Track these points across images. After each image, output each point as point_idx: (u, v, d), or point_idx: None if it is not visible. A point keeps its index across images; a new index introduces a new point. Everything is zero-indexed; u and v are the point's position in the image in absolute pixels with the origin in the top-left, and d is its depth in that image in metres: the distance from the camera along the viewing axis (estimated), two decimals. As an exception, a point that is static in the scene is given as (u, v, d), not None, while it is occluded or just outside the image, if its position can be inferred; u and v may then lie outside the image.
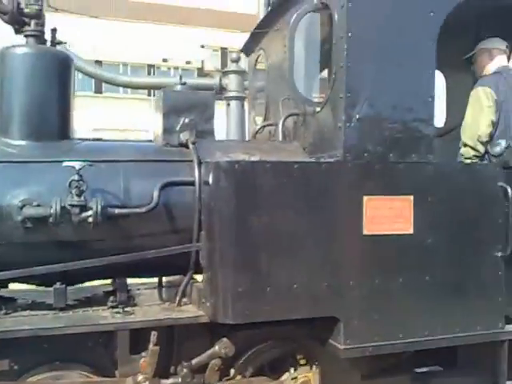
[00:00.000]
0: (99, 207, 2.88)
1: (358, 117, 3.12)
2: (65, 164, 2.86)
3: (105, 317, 3.10)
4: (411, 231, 3.22)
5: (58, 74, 3.29)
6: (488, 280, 3.43)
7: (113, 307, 3.20)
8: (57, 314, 3.10)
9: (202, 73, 25.16)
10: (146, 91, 20.97)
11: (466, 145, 3.63)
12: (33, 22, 3.21)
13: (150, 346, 2.99)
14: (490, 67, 3.82)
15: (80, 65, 7.33)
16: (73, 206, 2.87)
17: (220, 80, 7.87)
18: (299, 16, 3.32)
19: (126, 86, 10.32)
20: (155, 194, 3.10)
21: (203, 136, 3.48)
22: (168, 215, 3.18)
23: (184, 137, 3.40)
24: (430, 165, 3.28)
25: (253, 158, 3.05)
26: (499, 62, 3.83)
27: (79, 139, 3.54)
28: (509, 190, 3.36)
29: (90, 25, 25.23)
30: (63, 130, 3.33)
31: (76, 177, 2.86)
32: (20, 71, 3.18)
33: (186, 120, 3.43)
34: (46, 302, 3.17)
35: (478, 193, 3.40)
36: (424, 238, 3.25)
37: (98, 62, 22.54)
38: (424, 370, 3.84)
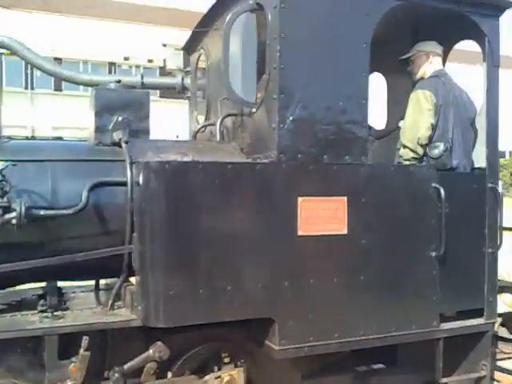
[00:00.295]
0: (23, 208, 2.78)
1: (291, 118, 3.12)
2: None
3: (33, 321, 3.00)
4: (345, 232, 3.24)
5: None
6: (422, 279, 3.48)
7: (42, 311, 3.10)
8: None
9: (164, 72, 24.91)
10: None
11: (405, 146, 3.67)
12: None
13: (81, 351, 2.92)
14: (428, 70, 3.88)
15: (38, 62, 7.18)
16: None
17: (182, 79, 7.76)
18: (234, 16, 3.29)
19: (86, 84, 10.14)
20: (84, 194, 3.01)
21: (138, 135, 3.42)
22: (99, 217, 3.10)
23: (117, 136, 3.32)
24: (364, 166, 3.30)
25: (185, 159, 3.00)
26: (436, 65, 3.90)
27: (8, 137, 3.43)
28: (442, 191, 3.42)
29: (50, 21, 24.83)
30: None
31: (-1, 177, 2.76)
32: None
33: (120, 119, 3.36)
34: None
35: (411, 194, 3.45)
36: (358, 239, 3.28)
37: (58, 60, 22.12)
38: (365, 368, 3.88)
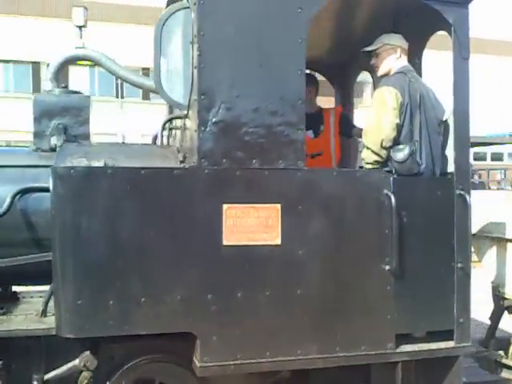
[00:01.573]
0: None
1: (214, 120, 2.92)
2: None
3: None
4: (278, 242, 3.00)
5: None
6: (373, 295, 3.17)
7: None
8: None
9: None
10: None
11: (368, 148, 3.36)
12: None
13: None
14: (394, 66, 3.55)
15: (121, 73, 7.49)
16: None
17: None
18: (166, 14, 3.16)
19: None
20: (7, 200, 2.99)
21: (77, 140, 3.36)
22: (23, 223, 3.06)
23: (53, 141, 3.29)
24: (301, 171, 3.05)
25: (96, 164, 2.89)
26: (402, 61, 3.56)
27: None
28: (392, 198, 3.10)
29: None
30: None
31: None
32: None
33: (57, 124, 3.32)
34: None
35: (359, 202, 3.15)
36: (294, 250, 3.03)
37: (145, 69, 22.49)
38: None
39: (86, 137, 3.41)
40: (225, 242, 2.93)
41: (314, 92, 4.65)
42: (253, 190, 2.99)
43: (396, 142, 3.35)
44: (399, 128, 3.34)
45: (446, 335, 3.36)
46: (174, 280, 2.88)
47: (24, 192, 3.08)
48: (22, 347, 3.06)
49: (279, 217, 3.00)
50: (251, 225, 2.97)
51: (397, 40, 3.58)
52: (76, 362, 3.03)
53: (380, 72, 3.62)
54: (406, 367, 3.31)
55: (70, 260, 2.78)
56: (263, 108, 2.99)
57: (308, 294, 3.05)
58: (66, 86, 3.57)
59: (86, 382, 3.13)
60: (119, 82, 25.36)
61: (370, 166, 3.35)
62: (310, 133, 4.54)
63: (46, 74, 3.61)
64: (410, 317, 3.25)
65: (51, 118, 3.35)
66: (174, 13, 3.18)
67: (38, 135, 3.34)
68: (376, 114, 3.39)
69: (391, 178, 3.18)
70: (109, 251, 2.80)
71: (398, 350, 3.20)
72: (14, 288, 3.65)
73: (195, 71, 2.93)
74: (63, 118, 3.36)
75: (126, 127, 24.45)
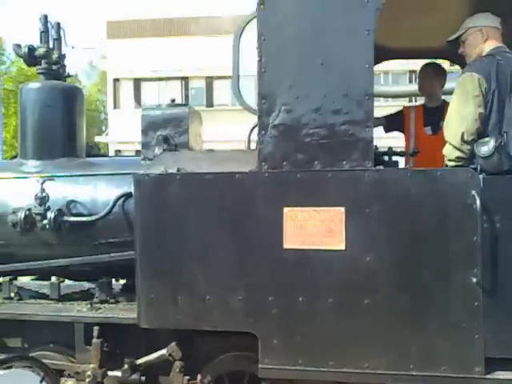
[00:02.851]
0: (52, 215, 3.39)
1: (274, 123, 2.93)
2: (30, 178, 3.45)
3: (79, 310, 3.57)
4: (342, 247, 2.87)
5: (62, 104, 3.94)
6: (457, 311, 2.79)
7: (91, 303, 3.65)
8: (49, 304, 3.71)
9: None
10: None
11: (449, 143, 3.00)
12: (42, 61, 3.92)
13: (93, 340, 3.37)
14: (484, 49, 3.07)
15: None
16: (36, 214, 3.43)
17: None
18: (243, 23, 3.29)
19: (385, 96, 11.01)
20: (110, 204, 3.46)
21: (177, 148, 3.69)
22: (122, 224, 3.49)
23: (157, 151, 3.67)
24: (368, 172, 2.86)
25: (170, 170, 3.14)
26: (493, 42, 3.05)
27: (94, 155, 4.15)
28: (477, 201, 2.70)
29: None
30: (67, 149, 3.95)
31: (39, 189, 3.43)
32: (31, 104, 3.91)
33: (160, 135, 3.69)
34: (46, 293, 3.81)
35: (440, 205, 2.81)
36: (360, 256, 2.85)
37: None
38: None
39: (185, 145, 3.71)
40: (285, 246, 2.92)
41: (438, 84, 4.25)
42: (314, 193, 2.91)
43: (482, 134, 2.91)
44: (484, 118, 2.91)
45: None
46: (236, 280, 2.97)
47: (126, 197, 3.52)
48: (119, 333, 3.48)
49: (343, 221, 2.87)
50: (312, 228, 2.90)
51: (482, 20, 3.10)
52: (164, 351, 3.35)
53: (470, 59, 3.17)
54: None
55: (145, 257, 3.09)
56: (325, 107, 2.89)
57: (377, 304, 2.85)
58: (174, 100, 3.93)
59: (177, 370, 3.45)
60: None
61: (452, 164, 2.96)
62: (428, 129, 4.17)
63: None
64: (505, 338, 2.77)
65: (156, 130, 3.74)
66: (250, 21, 3.29)
67: (145, 146, 3.76)
68: (456, 105, 3.01)
69: (480, 177, 2.77)
70: (177, 251, 3.03)
71: (488, 376, 2.76)
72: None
73: (257, 77, 2.98)
74: (165, 129, 3.72)
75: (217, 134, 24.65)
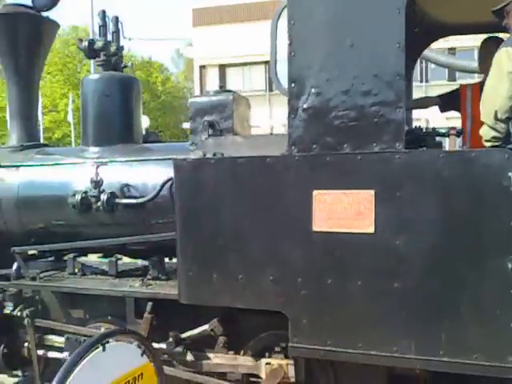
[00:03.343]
0: (105, 198, 3.65)
1: (304, 107, 2.96)
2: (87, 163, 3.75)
3: (131, 285, 3.83)
4: (371, 230, 2.85)
5: (119, 93, 4.20)
6: (491, 297, 2.70)
7: (143, 280, 3.91)
8: (106, 280, 4.01)
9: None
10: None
11: (484, 123, 2.86)
12: (101, 54, 4.20)
13: (145, 314, 3.61)
14: None
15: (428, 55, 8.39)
16: (91, 196, 3.72)
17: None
18: (279, 9, 3.32)
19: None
20: (157, 188, 3.67)
21: (223, 134, 3.82)
22: (168, 206, 3.68)
23: (203, 136, 3.82)
24: (399, 154, 2.81)
25: (208, 155, 3.26)
26: None
27: (151, 141, 4.39)
28: (511, 182, 2.57)
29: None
30: (124, 136, 4.22)
31: (94, 173, 3.70)
32: (91, 94, 4.21)
33: (206, 120, 3.83)
34: (106, 270, 4.12)
35: (474, 187, 2.71)
36: (390, 240, 2.82)
37: (452, 50, 22.34)
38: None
39: (229, 130, 3.82)
40: (314, 228, 2.95)
41: None
42: (344, 176, 2.91)
43: None
44: None
45: None
46: (267, 261, 3.05)
47: (172, 180, 3.70)
48: (167, 308, 3.68)
49: (373, 204, 2.85)
50: (342, 211, 2.91)
51: None
52: (206, 326, 3.52)
53: None
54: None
55: (184, 238, 3.25)
56: (355, 89, 2.87)
57: (407, 288, 2.81)
58: (222, 86, 4.05)
59: (221, 345, 3.62)
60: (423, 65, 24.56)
61: (489, 144, 2.82)
62: None
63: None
64: (542, 329, 2.64)
65: (202, 116, 3.88)
66: (285, 7, 3.31)
67: (193, 132, 3.91)
68: (491, 82, 2.86)
69: None
70: (212, 231, 3.16)
71: (523, 367, 2.65)
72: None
73: (287, 60, 3.02)
74: (211, 115, 3.85)
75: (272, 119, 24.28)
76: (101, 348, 2.13)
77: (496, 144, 2.82)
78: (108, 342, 2.22)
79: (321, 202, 2.94)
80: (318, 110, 2.95)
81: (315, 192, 2.95)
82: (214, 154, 3.26)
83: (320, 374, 3.45)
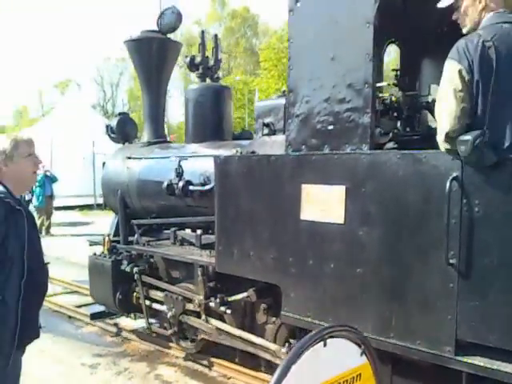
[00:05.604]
0: (180, 185, 4.66)
1: (297, 113, 3.49)
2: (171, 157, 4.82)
3: (201, 255, 4.73)
4: (342, 221, 3.26)
5: (214, 101, 5.17)
6: (432, 290, 2.89)
7: (210, 251, 4.77)
8: (190, 250, 5.00)
9: None
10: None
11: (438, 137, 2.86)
12: (200, 67, 5.21)
13: (198, 278, 4.54)
14: (481, 19, 2.75)
15: None
16: (174, 184, 4.77)
17: None
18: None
19: None
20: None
21: (276, 133, 4.48)
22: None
23: (258, 135, 4.55)
24: (363, 155, 3.15)
25: (238, 153, 3.98)
26: (491, 9, 2.70)
27: (241, 138, 5.27)
28: (457, 184, 2.73)
29: None
30: (215, 134, 5.18)
31: (177, 165, 4.74)
32: (191, 101, 5.26)
33: (263, 122, 4.55)
34: (193, 242, 5.13)
35: (423, 186, 2.92)
36: (355, 230, 3.21)
37: None
38: None
39: (281, 130, 4.46)
40: (302, 217, 3.47)
41: None
42: (324, 173, 3.36)
43: (470, 126, 2.70)
44: (471, 112, 2.69)
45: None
46: (269, 242, 3.68)
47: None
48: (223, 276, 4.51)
49: (344, 198, 3.25)
50: (321, 204, 3.37)
51: None
52: (245, 294, 4.28)
53: (465, 30, 2.86)
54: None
55: (218, 220, 4.05)
56: (333, 97, 3.31)
57: (367, 273, 3.16)
58: (284, 91, 4.68)
59: (261, 312, 4.34)
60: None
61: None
62: None
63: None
64: (478, 324, 2.72)
65: (263, 118, 4.60)
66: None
67: (255, 131, 4.67)
68: (441, 96, 2.79)
69: (461, 161, 2.76)
70: (233, 215, 3.91)
71: (459, 358, 2.79)
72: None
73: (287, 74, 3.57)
74: (268, 117, 4.55)
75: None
76: (322, 342, 1.98)
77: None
78: (330, 337, 2.04)
79: (307, 195, 3.45)
80: (306, 116, 3.45)
81: (303, 186, 3.46)
82: (241, 152, 3.97)
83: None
